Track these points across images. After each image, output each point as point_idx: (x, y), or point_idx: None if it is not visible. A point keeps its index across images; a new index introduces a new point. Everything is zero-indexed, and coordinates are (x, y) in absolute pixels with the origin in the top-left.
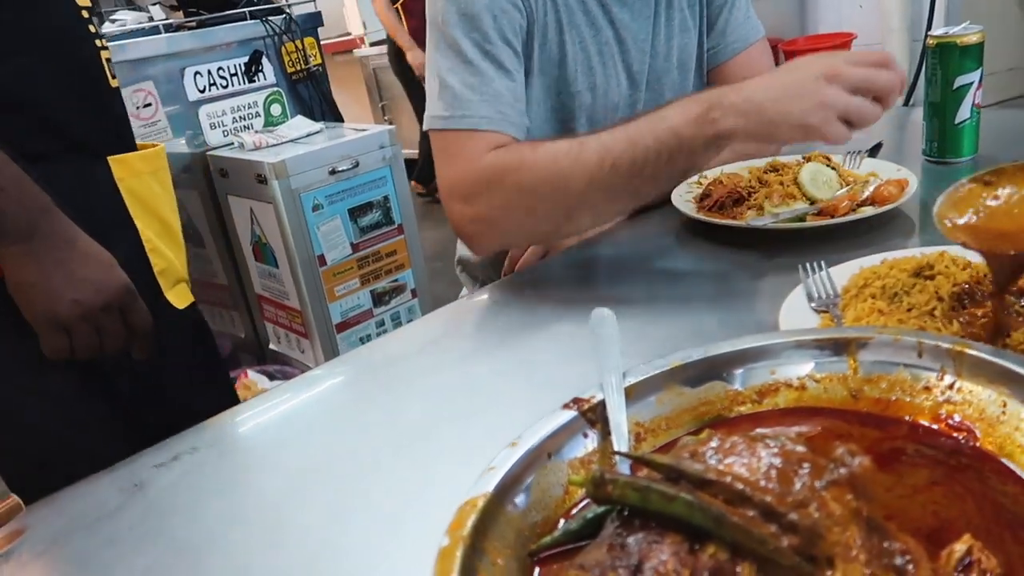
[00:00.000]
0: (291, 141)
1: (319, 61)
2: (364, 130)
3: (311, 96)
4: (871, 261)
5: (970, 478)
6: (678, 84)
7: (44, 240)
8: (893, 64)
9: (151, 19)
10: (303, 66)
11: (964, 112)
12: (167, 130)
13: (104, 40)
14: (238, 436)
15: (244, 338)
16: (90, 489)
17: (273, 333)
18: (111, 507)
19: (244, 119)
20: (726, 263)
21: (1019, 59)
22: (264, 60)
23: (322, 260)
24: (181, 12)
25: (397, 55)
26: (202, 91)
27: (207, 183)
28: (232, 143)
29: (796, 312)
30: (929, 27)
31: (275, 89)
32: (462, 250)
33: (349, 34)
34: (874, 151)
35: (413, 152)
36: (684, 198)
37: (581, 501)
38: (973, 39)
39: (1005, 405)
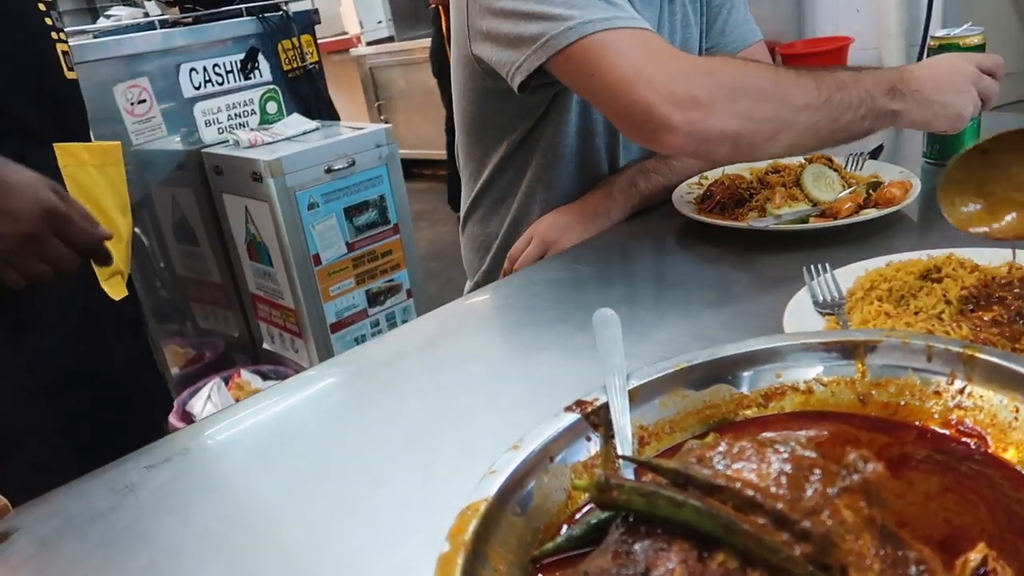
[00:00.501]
0: (287, 139)
1: (316, 59)
2: (360, 129)
3: (307, 94)
4: (876, 263)
5: (982, 485)
6: None
7: None
8: (1000, 73)
9: (146, 15)
10: (300, 64)
11: None
12: (162, 127)
13: (63, 34)
14: (231, 438)
15: (238, 337)
16: (81, 490)
17: (267, 332)
18: (102, 508)
19: (240, 116)
20: (728, 264)
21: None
22: (260, 57)
23: (317, 259)
24: (177, 8)
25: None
26: (197, 88)
27: (202, 181)
28: (227, 140)
29: (801, 315)
30: (926, 31)
31: (271, 87)
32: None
33: (346, 33)
34: (875, 153)
35: (409, 152)
36: (685, 199)
37: (584, 506)
38: (975, 40)
39: (1018, 411)
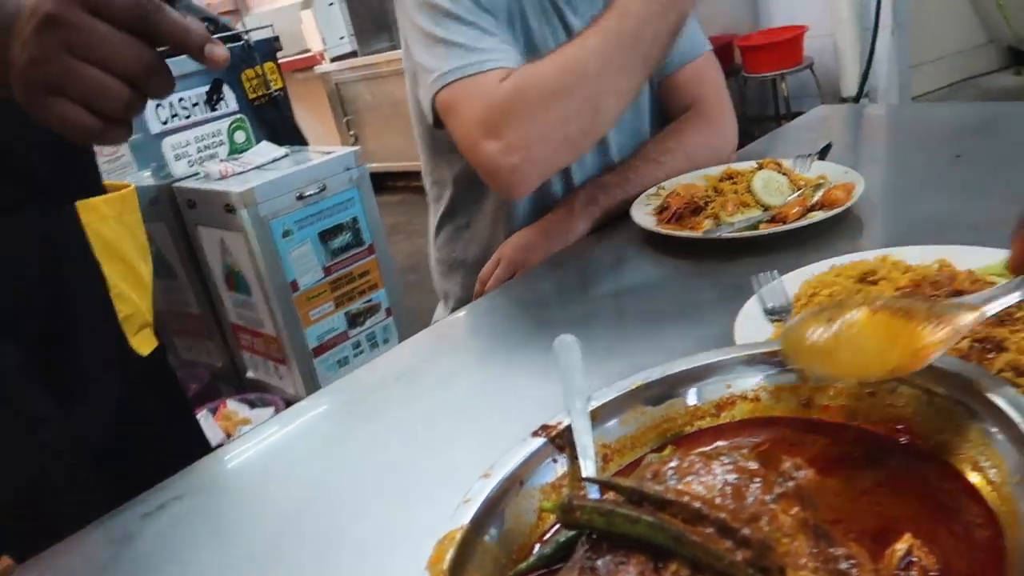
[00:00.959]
0: (257, 168)
1: (280, 85)
2: (329, 153)
3: (274, 121)
4: (821, 267)
5: (911, 478)
6: None
7: None
8: None
9: None
10: (264, 91)
11: None
12: (131, 164)
13: None
14: (221, 481)
15: (221, 367)
16: (79, 544)
17: (250, 361)
18: (102, 561)
19: (209, 148)
20: (686, 274)
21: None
22: (225, 88)
23: (295, 286)
24: None
25: None
26: (164, 123)
27: (175, 215)
28: (198, 173)
29: (751, 323)
30: (877, 16)
31: (238, 116)
32: (439, 279)
33: (309, 51)
34: (824, 153)
35: (381, 165)
36: (644, 211)
37: (554, 526)
38: None
39: (939, 404)
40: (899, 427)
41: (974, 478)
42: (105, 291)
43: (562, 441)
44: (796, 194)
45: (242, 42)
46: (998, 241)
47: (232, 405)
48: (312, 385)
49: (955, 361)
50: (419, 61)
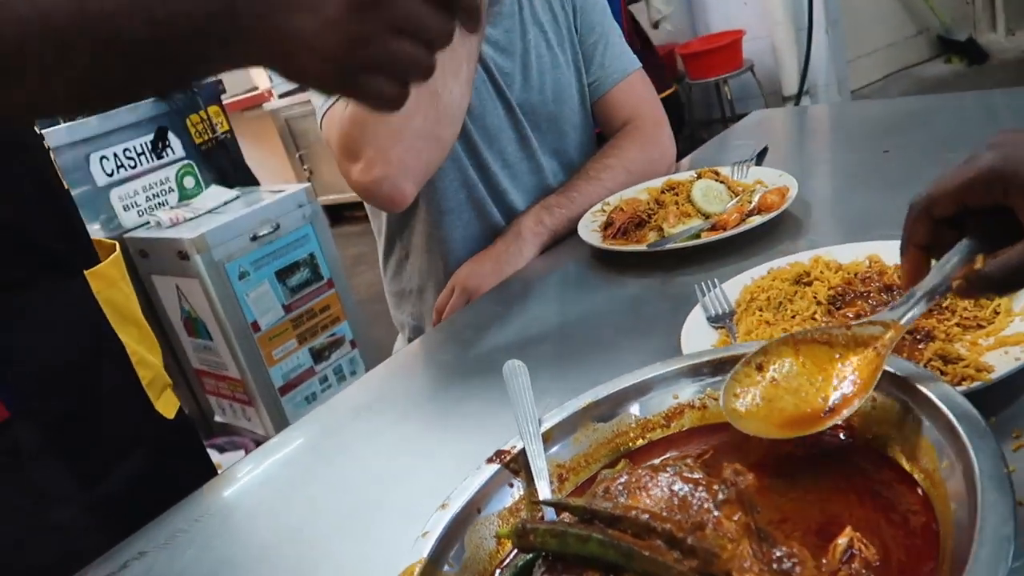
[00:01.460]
0: (208, 212)
1: (226, 128)
2: (281, 191)
3: (223, 163)
4: (760, 271)
5: (851, 472)
6: (556, 115)
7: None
8: None
9: None
10: (211, 135)
11: None
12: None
13: (46, 141)
14: (184, 535)
15: (188, 414)
16: None
17: (217, 405)
18: None
19: (158, 196)
20: (634, 287)
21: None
22: (170, 135)
23: (256, 326)
24: None
25: None
26: (110, 174)
27: (128, 265)
28: (148, 222)
29: (696, 331)
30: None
31: (186, 162)
32: (393, 311)
33: (256, 88)
34: (760, 157)
35: (338, 197)
36: (590, 229)
37: (512, 551)
38: None
39: (875, 399)
40: (839, 424)
41: (909, 468)
42: (127, 360)
43: (517, 465)
44: (734, 201)
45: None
46: None
47: None
48: (281, 424)
49: (889, 357)
50: (312, 103)
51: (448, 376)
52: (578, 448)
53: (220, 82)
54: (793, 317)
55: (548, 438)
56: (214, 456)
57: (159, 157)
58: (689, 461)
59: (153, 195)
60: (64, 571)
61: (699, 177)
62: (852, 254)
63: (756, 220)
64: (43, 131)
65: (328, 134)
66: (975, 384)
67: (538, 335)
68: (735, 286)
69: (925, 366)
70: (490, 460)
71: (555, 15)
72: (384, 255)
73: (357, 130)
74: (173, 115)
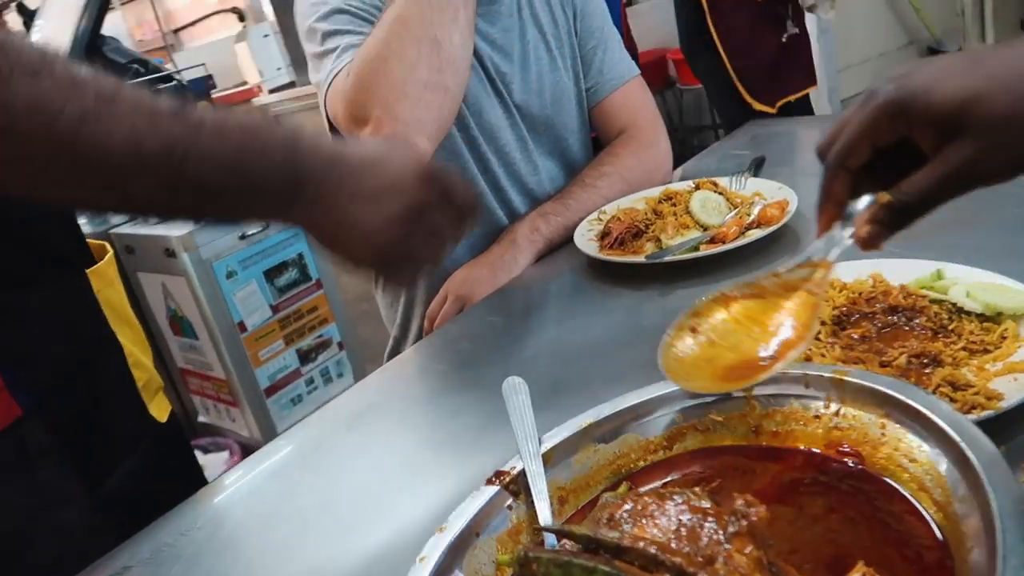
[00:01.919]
0: None
1: None
2: None
3: None
4: None
5: (861, 502)
6: (553, 117)
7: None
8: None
9: None
10: None
11: None
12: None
13: None
14: (169, 550)
15: (178, 418)
16: None
17: (201, 405)
18: None
19: None
20: (631, 298)
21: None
22: None
23: (242, 326)
24: None
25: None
26: None
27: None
28: (136, 218)
29: None
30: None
31: None
32: (385, 316)
33: (246, 83)
34: (757, 168)
35: None
36: (586, 238)
37: None
38: None
39: (884, 427)
40: (846, 449)
41: (921, 499)
42: (124, 362)
43: (516, 487)
44: (733, 213)
45: (174, 83)
46: (924, 250)
47: None
48: (266, 425)
49: (895, 382)
50: (313, 82)
51: (441, 389)
52: (579, 470)
53: (210, 76)
54: None
55: (548, 459)
56: (198, 457)
57: None
58: (697, 489)
59: None
60: (64, 571)
61: (697, 188)
62: (855, 272)
63: (756, 234)
64: None
65: (334, 108)
66: (986, 412)
67: (532, 347)
68: None
69: (933, 392)
70: (489, 481)
71: (555, 18)
72: None
73: (363, 93)
74: None
